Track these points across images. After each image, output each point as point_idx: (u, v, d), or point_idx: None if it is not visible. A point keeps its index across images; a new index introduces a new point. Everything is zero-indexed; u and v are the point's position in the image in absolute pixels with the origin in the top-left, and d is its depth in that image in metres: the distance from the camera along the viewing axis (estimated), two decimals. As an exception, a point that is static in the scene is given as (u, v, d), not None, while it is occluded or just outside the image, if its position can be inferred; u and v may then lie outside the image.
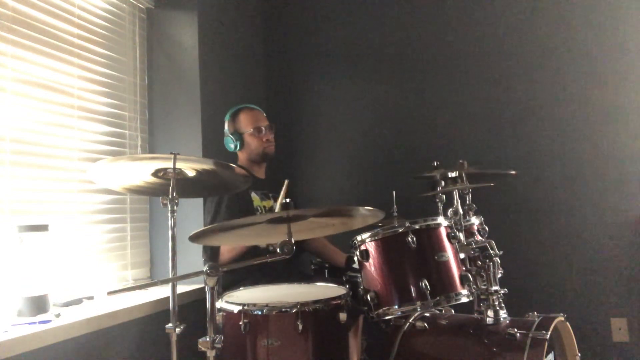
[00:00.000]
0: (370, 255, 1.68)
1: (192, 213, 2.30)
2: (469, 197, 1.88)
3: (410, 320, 1.77)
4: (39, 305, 1.61)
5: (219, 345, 1.34)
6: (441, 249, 1.65)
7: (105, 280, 2.10)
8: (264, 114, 2.34)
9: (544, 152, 2.65)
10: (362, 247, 1.70)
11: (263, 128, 2.26)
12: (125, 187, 1.70)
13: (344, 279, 2.12)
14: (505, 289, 1.66)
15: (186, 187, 1.66)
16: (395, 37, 2.96)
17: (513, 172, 1.93)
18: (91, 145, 2.09)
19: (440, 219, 1.70)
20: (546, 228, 2.62)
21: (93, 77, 2.13)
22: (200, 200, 2.29)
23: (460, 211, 1.77)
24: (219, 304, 1.57)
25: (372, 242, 1.68)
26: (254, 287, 1.82)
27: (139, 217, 2.36)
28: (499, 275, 1.68)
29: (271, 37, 3.23)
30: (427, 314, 1.81)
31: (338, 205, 1.40)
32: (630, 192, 2.50)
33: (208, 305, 1.34)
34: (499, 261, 1.68)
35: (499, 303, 1.66)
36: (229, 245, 2.02)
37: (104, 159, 1.52)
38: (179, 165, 1.52)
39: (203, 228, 1.33)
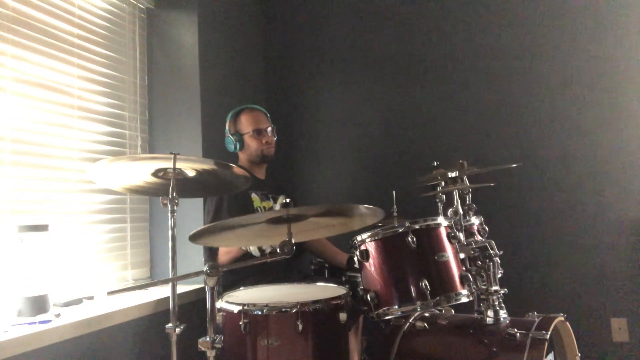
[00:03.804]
0: (370, 255, 1.68)
1: (192, 213, 2.30)
2: (469, 197, 1.88)
3: (410, 320, 1.77)
4: (39, 305, 1.61)
5: (219, 345, 1.34)
6: (441, 249, 1.65)
7: (105, 280, 2.10)
8: (267, 115, 2.33)
9: (544, 152, 2.65)
10: (362, 247, 1.70)
11: (263, 130, 2.25)
12: (125, 187, 1.70)
13: (344, 279, 2.12)
14: (505, 289, 1.66)
15: (186, 187, 1.66)
16: (395, 38, 2.96)
17: (514, 165, 1.93)
18: (91, 145, 2.09)
19: (440, 219, 1.70)
20: (546, 228, 2.62)
21: (93, 77, 2.13)
22: (200, 200, 2.29)
23: (460, 211, 1.77)
24: (219, 304, 1.57)
25: (372, 242, 1.68)
26: (254, 287, 1.82)
27: (139, 217, 2.36)
28: (499, 275, 1.68)
29: (271, 37, 3.24)
30: (427, 314, 1.81)
31: (338, 204, 1.40)
32: (631, 192, 2.50)
33: (208, 305, 1.34)
34: (499, 261, 1.68)
35: (499, 303, 1.65)
36: (228, 247, 2.02)
37: (104, 159, 1.52)
38: (179, 165, 1.53)
39: (202, 227, 1.33)
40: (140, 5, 2.46)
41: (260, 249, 2.07)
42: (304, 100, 3.14)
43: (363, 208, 1.40)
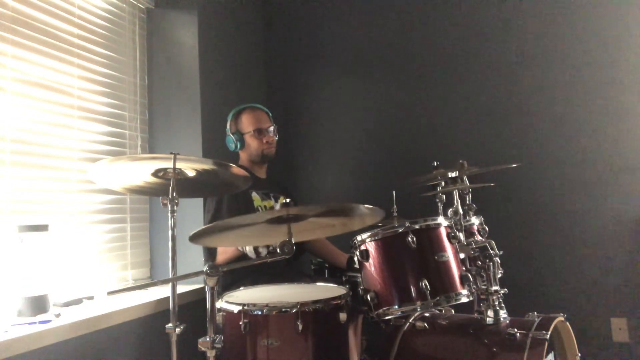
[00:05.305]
0: (370, 255, 1.68)
1: (192, 213, 2.30)
2: (469, 197, 1.88)
3: (410, 320, 1.77)
4: (39, 305, 1.61)
5: (219, 345, 1.34)
6: (441, 249, 1.65)
7: (105, 280, 2.10)
8: (268, 115, 2.33)
9: (544, 152, 2.65)
10: (362, 247, 1.70)
11: (264, 130, 2.25)
12: (125, 187, 1.70)
13: (344, 279, 2.12)
14: (505, 289, 1.66)
15: (186, 187, 1.66)
16: (395, 37, 2.96)
17: (514, 165, 1.93)
18: (91, 145, 2.09)
19: (440, 219, 1.70)
20: (546, 228, 2.62)
21: (93, 77, 2.13)
22: (200, 200, 2.29)
23: (460, 211, 1.76)
24: (219, 304, 1.57)
25: (372, 242, 1.68)
26: (254, 287, 1.82)
27: (139, 217, 2.36)
28: (499, 275, 1.68)
29: (271, 37, 3.24)
30: (427, 314, 1.81)
31: (338, 203, 1.40)
32: (631, 192, 2.50)
33: (208, 305, 1.34)
34: (499, 261, 1.68)
35: (499, 303, 1.65)
36: (226, 247, 2.02)
37: (104, 159, 1.52)
38: (179, 165, 1.52)
39: (203, 227, 1.33)
40: (140, 5, 2.45)
41: (255, 250, 2.07)
42: (304, 100, 3.14)
43: (363, 208, 1.40)
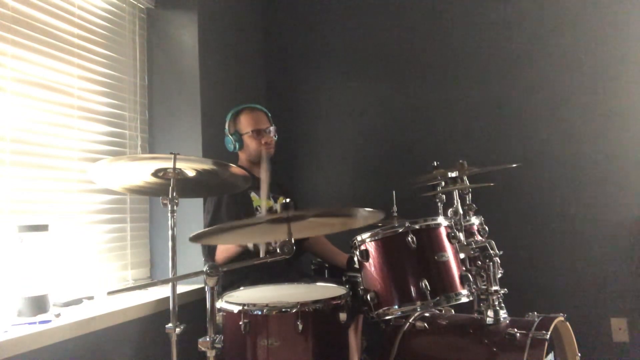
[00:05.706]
0: (370, 255, 1.68)
1: (192, 213, 2.30)
2: (469, 197, 1.88)
3: (410, 320, 1.77)
4: (39, 305, 1.61)
5: (219, 345, 1.34)
6: (441, 249, 1.65)
7: (105, 280, 2.10)
8: (267, 115, 2.32)
9: (544, 152, 2.65)
10: (362, 247, 1.70)
11: (263, 131, 2.25)
12: (125, 187, 1.70)
13: (344, 279, 2.12)
14: (505, 289, 1.66)
15: (186, 187, 1.66)
16: (395, 37, 2.96)
17: (514, 165, 1.93)
18: (91, 145, 2.09)
19: (440, 219, 1.70)
20: (546, 228, 2.62)
21: (93, 77, 2.13)
22: (200, 200, 2.29)
23: (460, 211, 1.77)
24: (219, 304, 1.57)
25: (372, 242, 1.68)
26: (254, 287, 1.82)
27: (139, 217, 2.35)
28: (499, 275, 1.68)
29: (271, 37, 3.23)
30: (427, 314, 1.81)
31: (338, 207, 1.40)
32: (630, 192, 2.50)
33: (208, 305, 1.34)
34: (499, 261, 1.68)
35: (499, 303, 1.66)
36: (225, 245, 2.02)
37: (104, 159, 1.52)
38: (179, 165, 1.53)
39: (203, 230, 1.33)
40: (140, 5, 2.45)
41: (255, 245, 2.06)
42: (304, 100, 3.14)
43: (363, 211, 1.40)
